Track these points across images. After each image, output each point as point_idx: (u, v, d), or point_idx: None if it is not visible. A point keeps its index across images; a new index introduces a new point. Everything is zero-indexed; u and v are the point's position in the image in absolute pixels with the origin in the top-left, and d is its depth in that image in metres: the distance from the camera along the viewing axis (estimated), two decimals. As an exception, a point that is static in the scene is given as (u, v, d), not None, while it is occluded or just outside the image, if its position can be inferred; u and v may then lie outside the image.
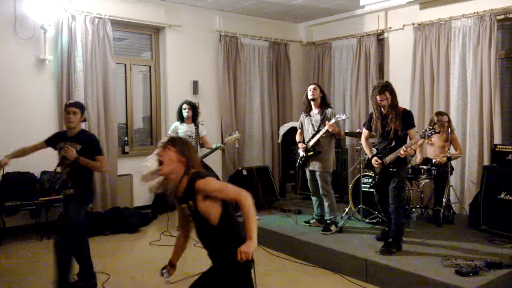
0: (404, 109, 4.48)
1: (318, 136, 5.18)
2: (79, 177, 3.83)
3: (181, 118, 5.99)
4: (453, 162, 5.73)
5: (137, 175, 6.80)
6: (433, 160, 5.68)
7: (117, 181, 6.51)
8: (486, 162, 5.89)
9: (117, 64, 6.65)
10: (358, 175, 5.70)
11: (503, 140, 5.90)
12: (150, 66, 7.22)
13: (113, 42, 6.42)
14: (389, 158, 4.41)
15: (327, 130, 5.08)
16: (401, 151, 4.30)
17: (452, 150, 5.75)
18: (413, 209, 5.75)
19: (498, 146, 5.28)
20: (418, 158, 6.01)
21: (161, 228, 5.96)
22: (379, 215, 5.31)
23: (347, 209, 5.78)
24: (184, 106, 5.96)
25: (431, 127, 4.37)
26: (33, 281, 4.25)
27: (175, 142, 2.55)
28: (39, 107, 6.00)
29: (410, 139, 4.38)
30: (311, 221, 5.52)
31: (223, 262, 2.52)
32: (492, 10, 5.88)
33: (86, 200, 3.97)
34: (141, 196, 6.90)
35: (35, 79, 5.95)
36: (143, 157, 7.33)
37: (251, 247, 2.26)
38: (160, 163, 2.51)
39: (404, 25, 7.01)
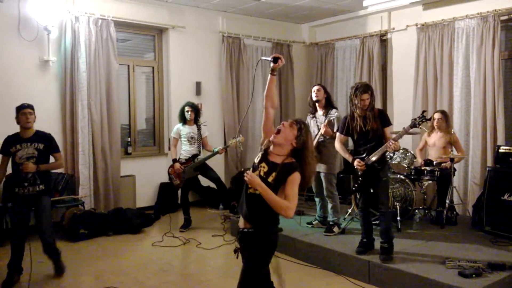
0: (379, 109, 4.48)
1: (317, 138, 5.17)
2: (44, 172, 4.24)
3: (183, 120, 6.01)
4: (455, 163, 5.70)
5: (140, 176, 6.83)
6: (434, 162, 5.66)
7: (120, 182, 6.52)
8: (489, 163, 5.87)
9: (120, 65, 6.66)
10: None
11: (507, 141, 5.88)
12: (153, 67, 7.23)
13: (116, 43, 6.44)
14: (373, 157, 4.28)
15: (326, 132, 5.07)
16: (390, 143, 4.18)
17: (455, 152, 5.73)
18: (416, 211, 5.73)
19: (502, 147, 5.25)
20: (419, 161, 5.98)
21: (164, 229, 5.97)
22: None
23: (349, 210, 5.77)
24: (187, 108, 5.97)
25: (421, 116, 4.27)
26: (36, 281, 4.26)
27: (301, 127, 2.72)
28: (42, 108, 5.99)
29: (385, 137, 4.30)
30: (314, 222, 5.51)
31: (258, 225, 2.70)
32: (495, 10, 5.87)
33: (52, 191, 4.67)
34: (144, 197, 6.91)
35: (39, 80, 5.98)
36: (146, 158, 7.41)
37: (256, 178, 2.60)
38: (278, 131, 2.70)
39: (407, 26, 6.99)
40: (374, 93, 4.44)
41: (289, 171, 2.63)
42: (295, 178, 2.62)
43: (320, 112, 5.29)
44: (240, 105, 7.72)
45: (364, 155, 4.35)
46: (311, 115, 5.39)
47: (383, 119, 4.37)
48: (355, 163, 4.35)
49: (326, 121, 5.07)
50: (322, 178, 5.23)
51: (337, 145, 4.61)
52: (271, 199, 2.56)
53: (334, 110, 5.20)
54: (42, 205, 4.22)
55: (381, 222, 4.40)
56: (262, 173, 2.69)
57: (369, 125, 4.29)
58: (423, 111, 4.33)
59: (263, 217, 2.68)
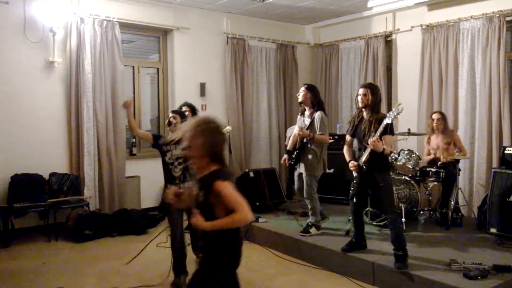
0: (383, 116, 4.19)
1: (291, 139, 5.28)
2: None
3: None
4: (460, 164, 5.68)
5: (145, 177, 6.84)
6: (438, 163, 5.63)
7: (125, 183, 6.54)
8: (494, 164, 5.84)
9: (125, 66, 6.68)
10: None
11: (512, 142, 5.85)
12: (158, 68, 7.25)
13: (121, 44, 6.46)
14: (363, 157, 4.23)
15: (312, 136, 5.05)
16: (369, 140, 4.04)
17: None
18: (421, 212, 5.72)
19: (507, 149, 5.23)
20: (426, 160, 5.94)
21: (168, 230, 5.95)
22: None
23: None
24: (184, 108, 5.94)
25: (396, 108, 4.06)
26: (40, 282, 4.28)
27: (201, 125, 2.46)
28: (48, 109, 6.05)
29: (384, 144, 4.12)
30: (318, 223, 5.50)
31: (213, 255, 2.51)
32: (501, 11, 5.84)
33: None
34: (149, 198, 6.92)
35: (44, 82, 6.00)
36: (151, 159, 7.42)
37: (201, 223, 2.37)
38: (188, 146, 2.47)
39: (412, 27, 6.97)
40: (378, 94, 4.28)
41: (208, 186, 2.38)
42: (221, 187, 2.34)
43: (307, 112, 5.23)
44: (245, 106, 7.72)
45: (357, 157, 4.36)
46: (301, 115, 5.34)
47: (380, 127, 4.09)
48: (350, 165, 4.38)
49: (298, 128, 5.19)
50: (304, 179, 5.20)
51: (345, 148, 4.59)
52: (222, 226, 2.36)
53: (318, 113, 5.10)
54: None
55: (391, 230, 4.23)
56: (199, 198, 2.46)
57: (365, 127, 4.20)
58: (399, 104, 4.11)
59: (219, 247, 2.46)
